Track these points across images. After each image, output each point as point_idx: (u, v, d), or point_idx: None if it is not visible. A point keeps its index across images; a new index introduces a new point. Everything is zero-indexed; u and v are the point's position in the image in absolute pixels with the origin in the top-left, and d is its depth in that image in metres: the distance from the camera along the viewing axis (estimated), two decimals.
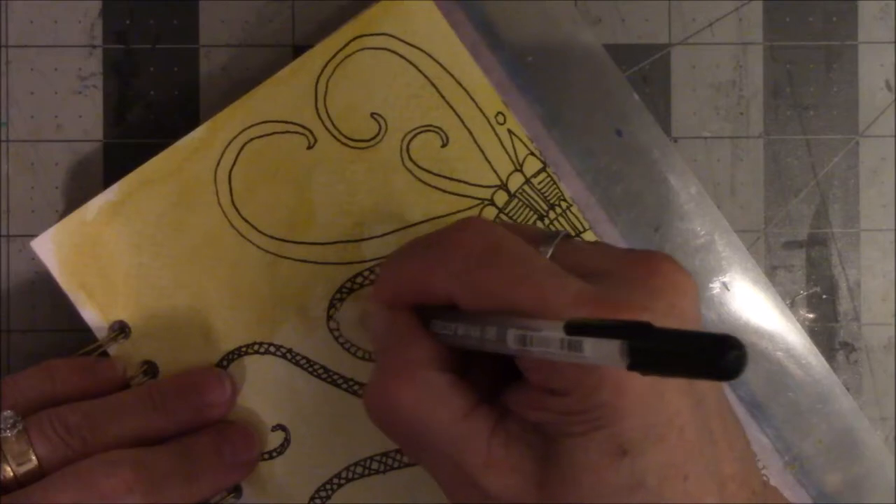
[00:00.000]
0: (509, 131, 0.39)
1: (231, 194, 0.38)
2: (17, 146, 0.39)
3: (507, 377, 0.31)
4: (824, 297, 0.40)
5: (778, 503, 0.33)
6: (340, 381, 0.38)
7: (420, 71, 0.38)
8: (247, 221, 0.38)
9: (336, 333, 0.38)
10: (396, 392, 0.30)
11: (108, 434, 0.34)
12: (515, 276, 0.29)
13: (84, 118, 0.39)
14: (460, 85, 0.39)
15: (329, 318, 0.38)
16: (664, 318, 0.28)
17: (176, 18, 0.40)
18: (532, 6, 0.40)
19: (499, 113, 0.39)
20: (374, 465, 0.39)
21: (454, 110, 0.39)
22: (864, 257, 0.40)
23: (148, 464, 0.33)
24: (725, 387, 0.39)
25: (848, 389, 0.40)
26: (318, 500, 0.38)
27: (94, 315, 0.38)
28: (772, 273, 0.40)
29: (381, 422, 0.31)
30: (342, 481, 0.38)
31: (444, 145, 0.39)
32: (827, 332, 0.40)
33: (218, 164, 0.38)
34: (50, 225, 0.38)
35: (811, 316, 0.40)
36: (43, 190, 0.39)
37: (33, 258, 0.38)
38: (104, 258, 0.38)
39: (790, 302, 0.40)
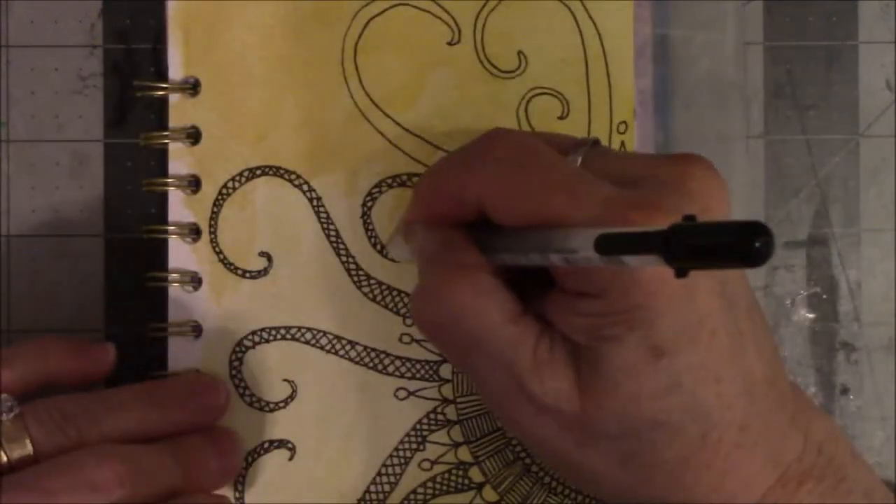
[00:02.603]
0: (622, 144, 0.38)
1: (357, 38, 0.38)
2: (17, 146, 0.39)
3: (542, 290, 0.31)
4: (824, 297, 0.40)
5: (805, 402, 0.33)
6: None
7: (583, 43, 0.38)
8: (357, 71, 0.38)
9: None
10: (451, 292, 0.30)
11: (105, 427, 0.34)
12: (546, 182, 0.29)
13: (84, 118, 0.39)
14: (608, 78, 0.38)
15: (368, 198, 0.38)
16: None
17: None
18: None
19: (622, 122, 0.38)
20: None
21: (588, 97, 0.38)
22: (864, 257, 0.40)
23: (140, 459, 0.33)
24: None
25: (848, 389, 0.40)
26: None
27: (177, 60, 0.38)
28: (772, 273, 0.40)
29: (431, 324, 0.32)
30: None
31: (561, 117, 0.39)
32: (827, 332, 0.40)
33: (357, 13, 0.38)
34: (50, 224, 0.38)
35: (811, 316, 0.40)
36: (43, 190, 0.39)
37: (33, 258, 0.38)
38: (214, 14, 0.38)
39: (790, 302, 0.40)
